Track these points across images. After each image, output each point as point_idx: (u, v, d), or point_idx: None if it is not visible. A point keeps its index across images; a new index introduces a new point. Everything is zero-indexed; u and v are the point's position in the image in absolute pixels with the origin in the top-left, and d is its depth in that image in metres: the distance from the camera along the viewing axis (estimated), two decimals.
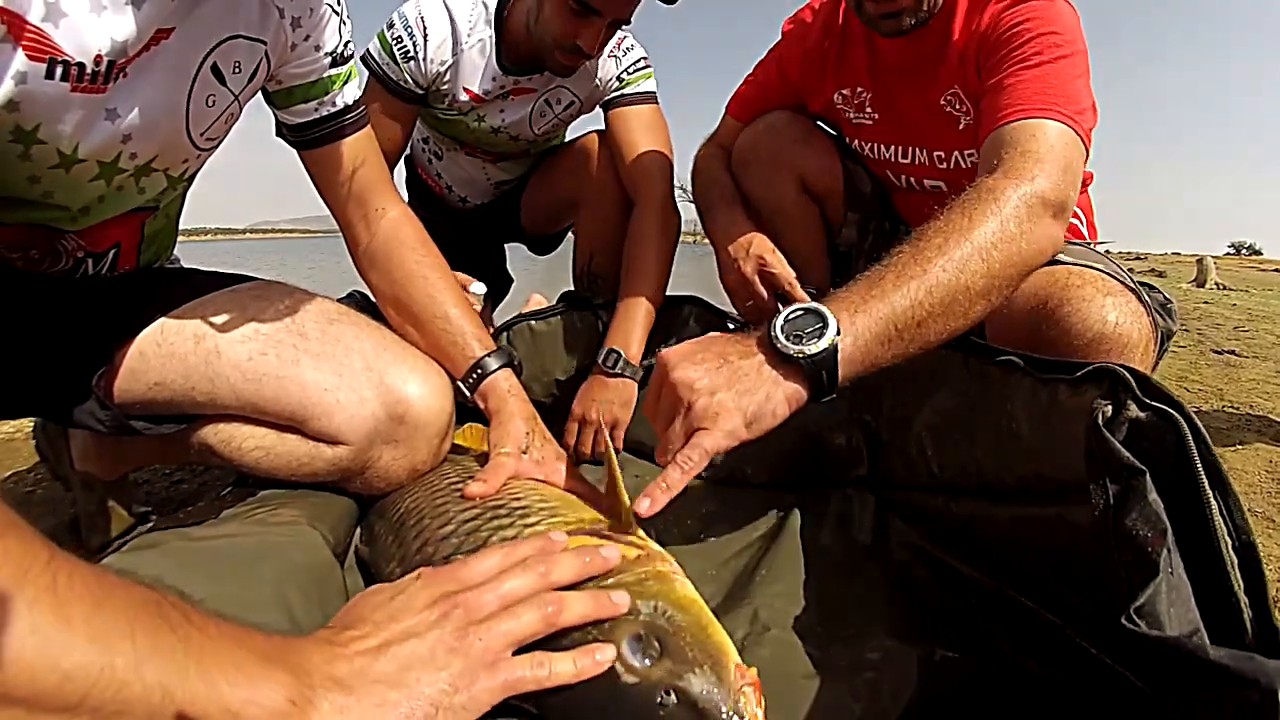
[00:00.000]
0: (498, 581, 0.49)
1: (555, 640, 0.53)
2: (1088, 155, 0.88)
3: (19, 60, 0.58)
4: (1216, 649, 0.37)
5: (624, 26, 1.27)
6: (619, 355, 1.13)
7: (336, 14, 0.87)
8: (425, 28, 1.28)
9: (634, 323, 1.16)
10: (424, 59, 1.29)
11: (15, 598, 0.32)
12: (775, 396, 0.66)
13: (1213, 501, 0.47)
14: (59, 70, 0.60)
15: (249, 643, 0.40)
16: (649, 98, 1.42)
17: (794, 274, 1.15)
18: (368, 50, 1.33)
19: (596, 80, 1.42)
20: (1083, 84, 0.92)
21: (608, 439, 0.77)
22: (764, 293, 1.17)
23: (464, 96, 1.37)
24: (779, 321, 0.68)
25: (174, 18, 0.69)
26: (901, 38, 1.10)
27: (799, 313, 0.68)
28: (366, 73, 1.33)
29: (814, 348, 0.65)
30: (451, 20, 1.30)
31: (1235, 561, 0.45)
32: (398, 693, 0.41)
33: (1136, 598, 0.41)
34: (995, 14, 1.01)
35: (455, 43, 1.31)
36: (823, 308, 0.68)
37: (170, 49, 0.70)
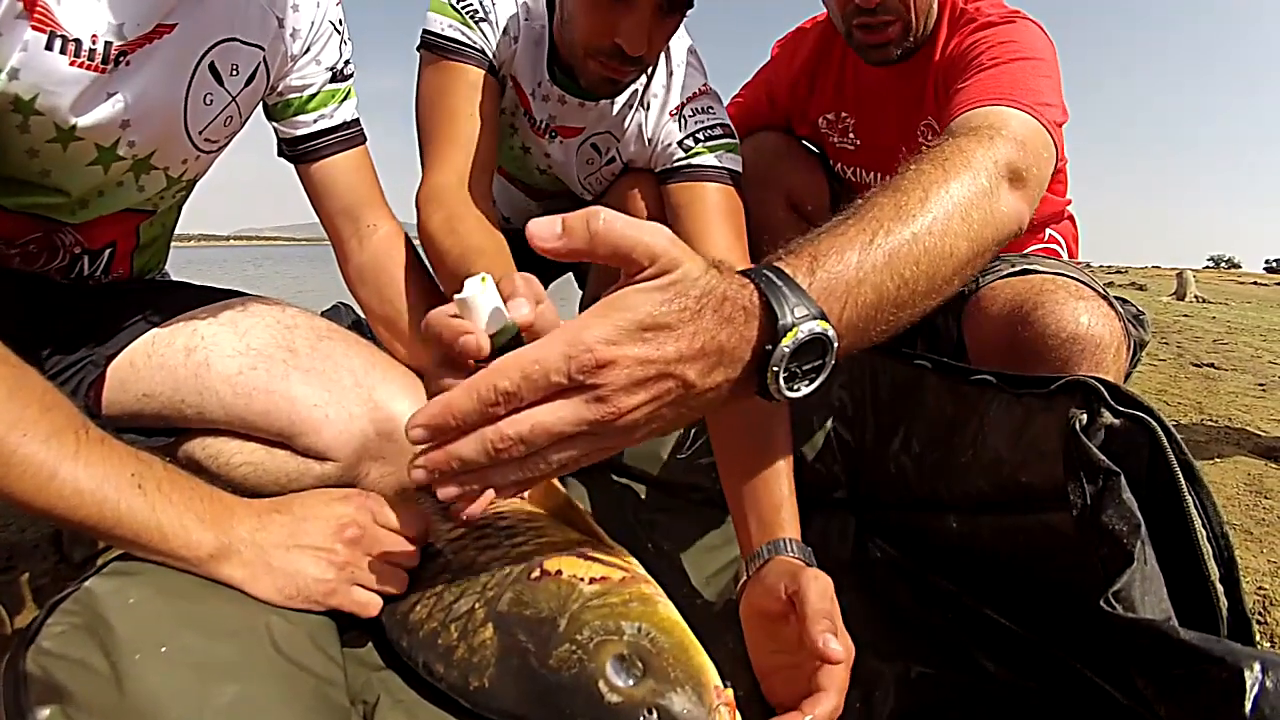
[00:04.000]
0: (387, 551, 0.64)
1: (542, 657, 0.54)
2: (1058, 149, 0.82)
3: (27, 31, 0.62)
4: (1187, 631, 0.39)
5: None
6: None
7: (338, 33, 0.90)
8: None
9: (787, 502, 0.75)
10: (494, 23, 1.01)
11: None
12: None
13: (1188, 495, 0.49)
14: (58, 43, 0.64)
15: (196, 509, 0.57)
16: (726, 176, 1.05)
17: None
18: (427, 31, 1.01)
19: (648, 138, 1.09)
20: (1046, 83, 0.87)
21: None
22: None
23: (512, 91, 1.10)
24: (782, 359, 0.48)
25: (175, 14, 0.72)
26: (886, 68, 1.13)
27: (805, 339, 0.48)
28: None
29: (805, 389, 0.51)
30: None
31: (1210, 552, 0.47)
32: (282, 571, 0.59)
33: (1114, 584, 0.43)
34: (960, 39, 1.03)
35: (519, 18, 1.04)
36: (828, 331, 0.49)
37: (171, 43, 0.73)
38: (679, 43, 1.06)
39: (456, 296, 0.50)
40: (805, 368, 0.49)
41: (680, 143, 1.06)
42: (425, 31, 1.01)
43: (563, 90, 1.07)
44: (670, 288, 0.46)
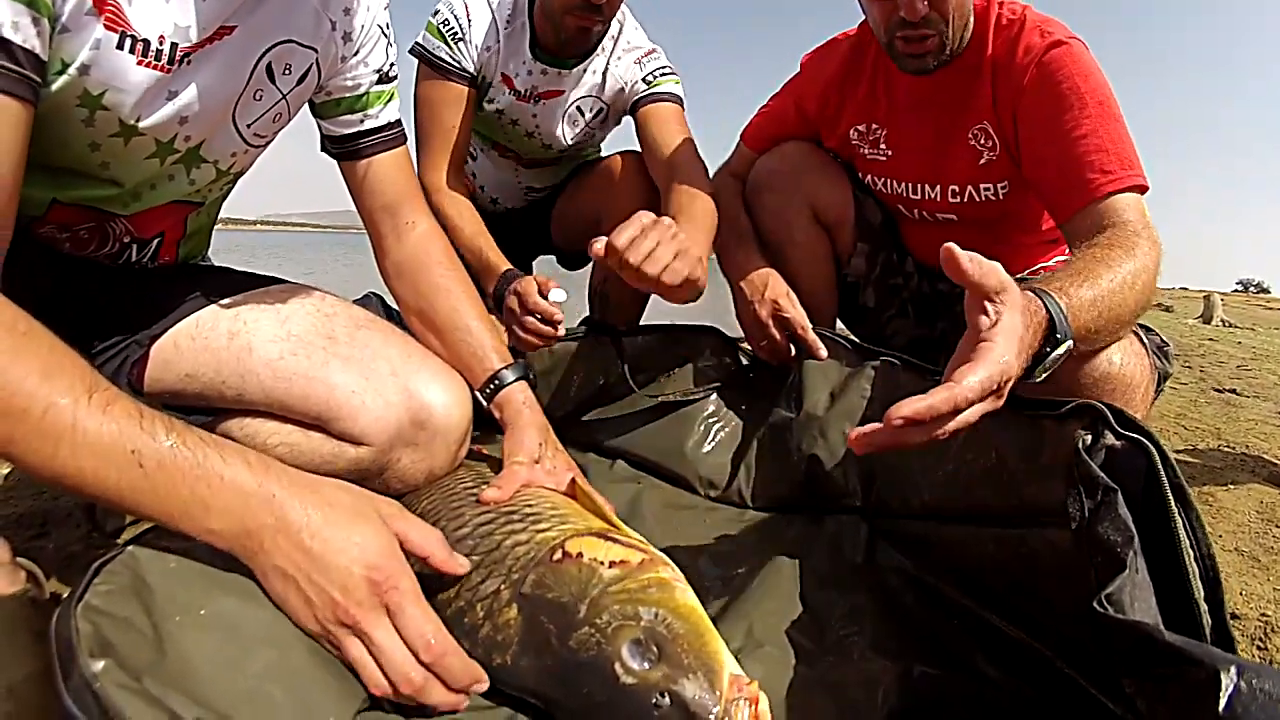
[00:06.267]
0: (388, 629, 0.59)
1: (562, 639, 0.57)
2: None
3: (98, 29, 0.65)
4: (1172, 634, 0.41)
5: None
6: None
7: (385, 36, 0.94)
8: (469, 11, 1.36)
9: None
10: (470, 41, 1.36)
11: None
12: None
13: (1178, 516, 0.52)
14: (128, 43, 0.67)
15: (201, 493, 0.55)
16: (676, 99, 1.47)
17: (807, 317, 1.15)
18: (418, 43, 1.39)
19: (622, 84, 1.49)
20: (1128, 135, 1.01)
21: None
22: (778, 335, 1.17)
23: (500, 83, 1.43)
24: (1052, 360, 0.69)
25: (236, 16, 0.75)
26: (924, 76, 1.15)
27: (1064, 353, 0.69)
28: (422, 76, 1.41)
29: (1042, 377, 0.69)
30: (489, 4, 1.38)
31: (1196, 571, 0.49)
32: (273, 590, 0.57)
33: (1106, 588, 0.46)
34: (1031, 61, 1.06)
35: (496, 27, 1.38)
36: (1073, 346, 0.69)
37: (231, 44, 0.76)
38: (629, 25, 1.49)
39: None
40: (1048, 362, 0.68)
41: (644, 79, 1.48)
42: (417, 44, 1.39)
43: (544, 64, 1.43)
44: (1025, 310, 0.63)
